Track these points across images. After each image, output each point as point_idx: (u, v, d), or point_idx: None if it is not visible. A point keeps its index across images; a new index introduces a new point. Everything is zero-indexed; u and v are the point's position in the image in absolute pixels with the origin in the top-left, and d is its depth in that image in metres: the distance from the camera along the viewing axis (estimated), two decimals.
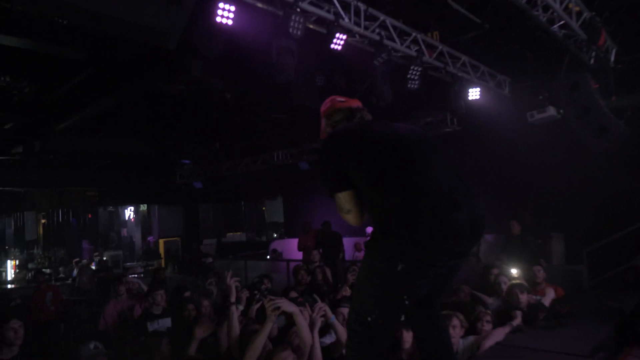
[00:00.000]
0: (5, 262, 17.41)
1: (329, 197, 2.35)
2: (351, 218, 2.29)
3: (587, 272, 7.11)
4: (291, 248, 12.73)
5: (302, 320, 3.43)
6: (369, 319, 2.18)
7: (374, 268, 2.21)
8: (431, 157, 2.23)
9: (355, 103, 2.65)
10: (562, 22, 6.55)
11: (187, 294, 5.87)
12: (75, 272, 14.71)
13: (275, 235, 21.80)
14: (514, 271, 5.79)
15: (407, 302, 2.18)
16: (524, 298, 4.58)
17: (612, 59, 7.92)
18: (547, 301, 4.88)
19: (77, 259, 14.96)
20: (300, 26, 5.14)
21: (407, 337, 3.47)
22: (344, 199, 2.27)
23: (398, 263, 2.07)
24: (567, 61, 7.55)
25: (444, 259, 2.14)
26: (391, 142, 2.27)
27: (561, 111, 8.24)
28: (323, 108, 2.70)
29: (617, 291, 6.13)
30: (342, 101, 2.65)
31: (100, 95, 8.15)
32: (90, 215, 20.63)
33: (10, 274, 16.71)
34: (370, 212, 2.24)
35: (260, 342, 3.28)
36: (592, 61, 7.68)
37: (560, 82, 7.72)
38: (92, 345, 3.58)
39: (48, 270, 15.04)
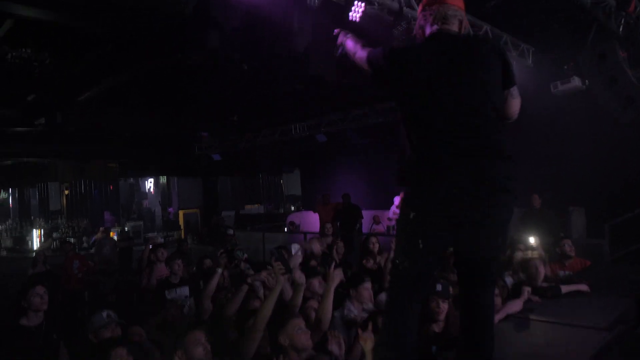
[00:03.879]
0: (31, 232, 17.91)
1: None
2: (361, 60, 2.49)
3: (609, 246, 7.02)
4: (308, 220, 12.82)
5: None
6: (397, 261, 2.38)
7: (400, 217, 2.40)
8: (463, 110, 2.25)
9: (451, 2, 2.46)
10: None
11: (208, 261, 5.96)
12: (94, 237, 14.96)
13: (293, 208, 21.93)
14: (531, 240, 5.58)
15: (422, 247, 2.26)
16: (541, 271, 4.44)
17: None
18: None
19: (102, 228, 15.17)
20: None
21: (444, 307, 3.33)
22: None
23: (410, 211, 2.28)
24: (594, 29, 7.28)
25: (447, 216, 2.22)
26: (437, 83, 2.27)
27: (586, 82, 8.00)
28: None
29: (639, 265, 6.03)
30: None
31: (120, 67, 8.17)
32: (111, 187, 20.99)
33: (35, 242, 17.18)
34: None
35: (270, 304, 3.28)
36: (621, 29, 7.39)
37: (587, 51, 7.47)
38: (104, 314, 3.59)
39: (72, 240, 15.39)
